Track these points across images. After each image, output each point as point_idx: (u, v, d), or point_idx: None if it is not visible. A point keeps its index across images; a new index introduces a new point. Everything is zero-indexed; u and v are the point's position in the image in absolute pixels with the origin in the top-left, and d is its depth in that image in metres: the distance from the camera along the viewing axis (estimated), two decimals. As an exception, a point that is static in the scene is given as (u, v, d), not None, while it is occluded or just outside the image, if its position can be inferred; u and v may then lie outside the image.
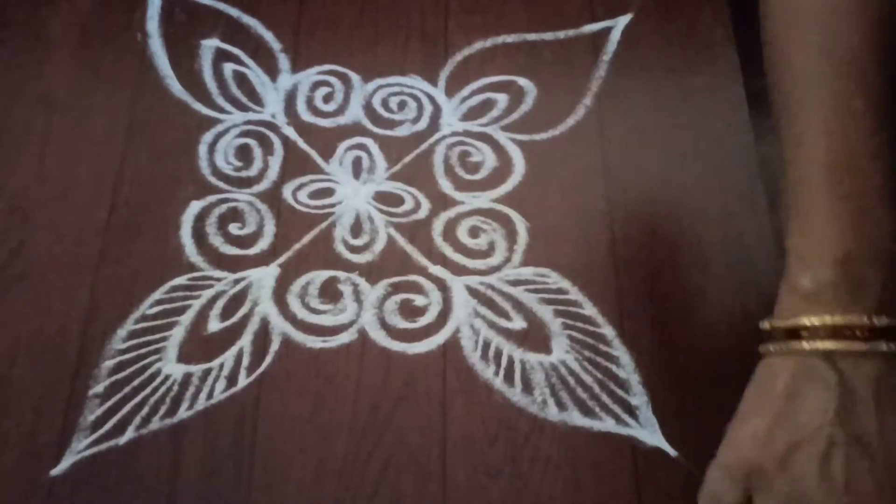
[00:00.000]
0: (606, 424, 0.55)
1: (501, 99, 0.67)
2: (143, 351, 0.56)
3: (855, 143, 0.41)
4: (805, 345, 0.40)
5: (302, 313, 0.58)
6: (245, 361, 0.56)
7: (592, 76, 0.68)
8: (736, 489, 0.41)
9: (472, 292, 0.59)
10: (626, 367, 0.57)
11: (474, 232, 0.62)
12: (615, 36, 0.70)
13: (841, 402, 0.39)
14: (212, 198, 0.62)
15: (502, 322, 0.58)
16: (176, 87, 0.67)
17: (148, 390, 0.55)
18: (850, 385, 0.39)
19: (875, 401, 0.39)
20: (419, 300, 0.59)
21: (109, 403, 0.55)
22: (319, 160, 0.64)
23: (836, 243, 0.41)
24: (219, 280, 0.59)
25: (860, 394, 0.39)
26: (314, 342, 0.57)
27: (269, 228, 0.61)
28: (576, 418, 0.55)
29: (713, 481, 0.43)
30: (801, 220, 0.42)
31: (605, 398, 0.56)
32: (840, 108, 0.42)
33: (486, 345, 0.57)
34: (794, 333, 0.41)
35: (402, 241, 0.61)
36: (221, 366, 0.56)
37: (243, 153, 0.64)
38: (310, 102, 0.67)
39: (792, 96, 0.44)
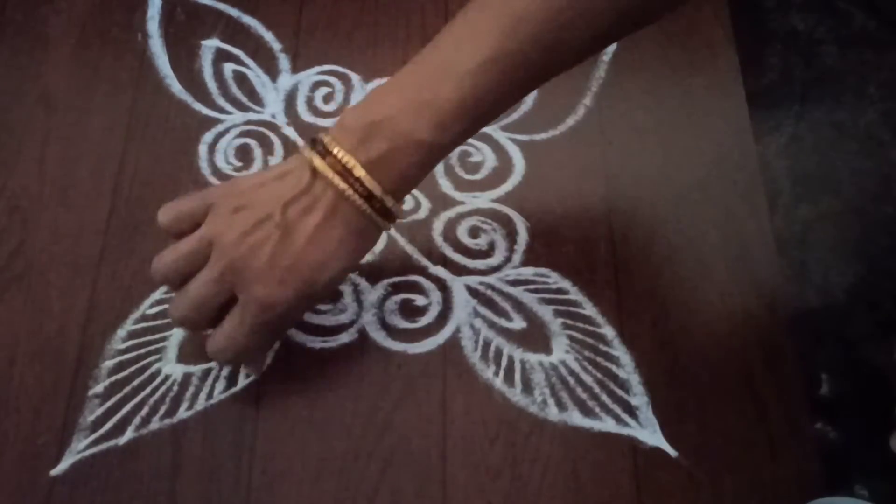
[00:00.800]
0: (606, 424, 0.55)
1: (501, 99, 0.67)
2: (142, 351, 0.56)
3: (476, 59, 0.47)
4: (312, 155, 0.48)
5: (302, 313, 0.58)
6: (245, 361, 0.56)
7: (592, 76, 0.68)
8: (195, 206, 0.51)
9: (472, 292, 0.59)
10: (626, 367, 0.57)
11: (474, 232, 0.62)
12: (615, 36, 0.70)
13: (298, 198, 0.47)
14: (212, 198, 0.62)
15: (502, 322, 0.58)
16: (176, 87, 0.67)
17: (148, 390, 0.55)
18: (314, 194, 0.47)
19: (319, 219, 0.47)
20: (419, 300, 0.59)
21: (109, 403, 0.55)
22: (319, 160, 0.64)
23: (390, 103, 0.47)
24: (219, 280, 0.59)
25: (315, 205, 0.47)
26: (314, 342, 0.57)
27: (269, 228, 0.61)
28: (576, 418, 0.55)
29: (188, 197, 0.52)
30: (399, 74, 0.49)
31: (605, 398, 0.56)
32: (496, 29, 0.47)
33: (486, 345, 0.57)
34: (320, 147, 0.48)
35: (402, 241, 0.61)
36: (221, 366, 0.56)
37: (243, 153, 0.64)
38: (310, 102, 0.67)
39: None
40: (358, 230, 0.48)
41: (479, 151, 0.65)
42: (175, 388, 0.55)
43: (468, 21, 0.48)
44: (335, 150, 0.47)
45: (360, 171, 0.46)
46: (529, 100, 0.67)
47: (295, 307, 0.49)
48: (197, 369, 0.56)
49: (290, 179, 0.48)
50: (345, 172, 0.47)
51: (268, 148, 0.64)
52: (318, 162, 0.47)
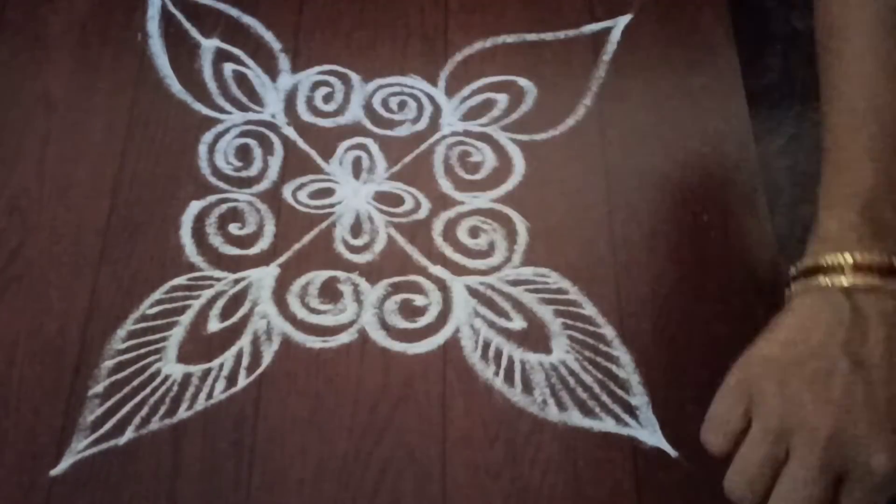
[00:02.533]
0: (606, 424, 0.55)
1: (501, 99, 0.67)
2: (142, 351, 0.56)
3: (886, 92, 0.42)
4: (822, 280, 0.41)
5: (302, 313, 0.58)
6: (245, 361, 0.56)
7: (592, 76, 0.68)
8: (737, 408, 0.42)
9: (472, 292, 0.59)
10: (626, 367, 0.57)
11: (474, 232, 0.62)
12: (615, 36, 0.70)
13: (850, 331, 0.40)
14: (212, 198, 0.62)
15: (502, 322, 0.58)
16: (176, 87, 0.67)
17: (147, 390, 0.55)
18: (862, 317, 0.40)
19: (885, 332, 0.40)
20: (419, 300, 0.59)
21: (109, 403, 0.55)
22: (319, 160, 0.64)
23: (859, 186, 0.42)
24: (219, 280, 0.59)
25: (870, 325, 0.40)
26: (314, 342, 0.57)
27: (269, 228, 0.61)
28: (576, 418, 0.55)
29: (718, 399, 0.43)
30: (829, 165, 0.44)
31: (605, 398, 0.56)
32: (878, 60, 0.44)
33: (486, 345, 0.57)
34: (816, 272, 0.42)
35: (402, 241, 0.61)
36: (221, 366, 0.56)
37: (243, 153, 0.64)
38: (310, 102, 0.67)
39: (832, 47, 0.46)
40: None
41: (479, 151, 0.65)
42: (175, 388, 0.55)
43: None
44: (855, 256, 0.40)
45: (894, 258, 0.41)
46: (529, 100, 0.67)
47: None
48: (197, 369, 0.56)
49: (821, 318, 0.40)
50: (881, 270, 0.40)
51: (268, 148, 0.64)
52: (848, 280, 0.40)
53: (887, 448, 0.38)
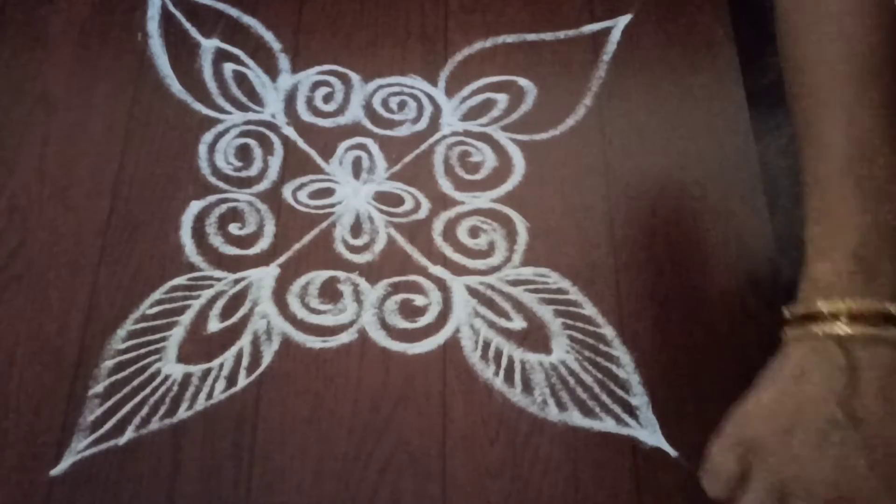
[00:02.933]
0: (606, 424, 0.55)
1: (501, 99, 0.67)
2: (142, 351, 0.56)
3: (870, 133, 0.42)
4: (818, 329, 0.41)
5: (302, 313, 0.58)
6: (245, 361, 0.56)
7: (592, 76, 0.68)
8: (735, 464, 0.42)
9: (472, 292, 0.59)
10: (626, 367, 0.57)
11: (474, 232, 0.62)
12: (615, 36, 0.70)
13: (846, 384, 0.39)
14: (212, 198, 0.62)
15: (502, 322, 0.58)
16: (176, 87, 0.67)
17: (148, 390, 0.55)
18: (858, 368, 0.40)
19: (880, 385, 0.39)
20: (419, 300, 0.59)
21: (109, 403, 0.55)
22: (319, 160, 0.64)
23: (851, 231, 0.42)
24: (219, 280, 0.59)
25: (867, 377, 0.40)
26: (314, 342, 0.57)
27: (269, 228, 0.61)
28: (576, 418, 0.55)
29: (715, 454, 0.43)
30: (817, 210, 0.43)
31: (605, 398, 0.56)
32: (857, 100, 0.43)
33: (486, 345, 0.57)
34: (810, 319, 0.41)
35: (402, 241, 0.61)
36: (221, 366, 0.56)
37: (243, 153, 0.64)
38: (310, 102, 0.67)
39: (807, 87, 0.45)
40: None
41: (479, 151, 0.65)
42: (175, 388, 0.55)
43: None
44: (849, 304, 0.39)
45: (887, 304, 0.40)
46: (529, 100, 0.67)
47: None
48: (197, 369, 0.56)
49: (817, 370, 0.40)
50: (875, 317, 0.39)
51: (268, 148, 0.64)
52: (843, 329, 0.39)
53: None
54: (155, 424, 0.54)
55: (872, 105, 0.42)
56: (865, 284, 0.40)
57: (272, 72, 0.68)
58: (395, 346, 0.57)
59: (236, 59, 0.68)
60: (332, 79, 0.68)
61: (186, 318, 0.57)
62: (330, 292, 0.59)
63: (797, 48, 0.46)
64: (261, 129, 0.65)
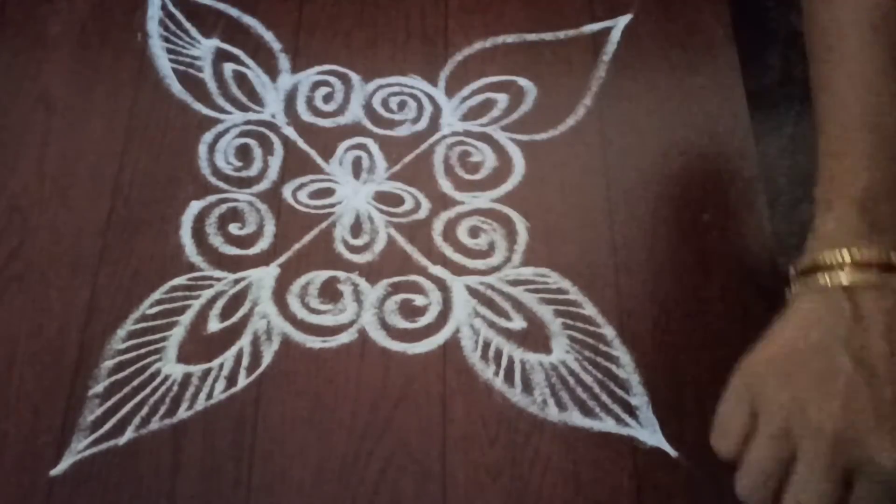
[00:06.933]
0: (606, 424, 0.55)
1: (501, 99, 0.67)
2: (142, 351, 0.56)
3: (881, 91, 0.43)
4: (823, 279, 0.41)
5: (302, 313, 0.58)
6: (245, 361, 0.56)
7: (592, 76, 0.68)
8: (742, 411, 0.42)
9: (472, 292, 0.59)
10: (626, 367, 0.57)
11: (474, 232, 0.62)
12: (615, 36, 0.70)
13: (851, 330, 0.40)
14: (212, 198, 0.62)
15: (502, 322, 0.58)
16: (176, 87, 0.67)
17: (148, 390, 0.55)
18: (862, 315, 0.40)
19: (885, 329, 0.40)
20: (419, 300, 0.59)
21: (109, 403, 0.55)
22: (319, 160, 0.64)
23: (855, 183, 0.43)
24: (219, 280, 0.59)
25: (872, 322, 0.40)
26: (314, 342, 0.57)
27: (269, 228, 0.61)
28: (576, 418, 0.55)
29: (722, 410, 0.43)
30: (827, 170, 0.44)
31: (605, 398, 0.56)
32: (873, 64, 0.44)
33: (486, 345, 0.57)
34: (815, 270, 0.42)
35: (402, 241, 0.61)
36: (221, 366, 0.56)
37: (243, 153, 0.64)
38: (310, 102, 0.67)
39: (824, 52, 0.46)
40: None
41: (479, 151, 0.65)
42: (175, 388, 0.55)
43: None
44: (854, 253, 0.40)
45: (892, 254, 0.40)
46: (529, 100, 0.67)
47: None
48: (197, 369, 0.56)
49: (822, 317, 0.40)
50: (880, 266, 0.40)
51: (268, 148, 0.64)
52: (848, 277, 0.40)
53: (894, 445, 0.37)
54: (155, 424, 0.54)
55: (885, 67, 0.43)
56: (870, 234, 0.40)
57: (272, 72, 0.68)
58: (395, 346, 0.57)
59: (236, 59, 0.68)
60: (332, 79, 0.68)
61: (186, 318, 0.57)
62: (330, 292, 0.59)
63: (818, 17, 0.47)
64: (261, 129, 0.65)
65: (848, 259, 0.40)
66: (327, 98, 0.67)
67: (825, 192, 0.44)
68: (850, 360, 0.39)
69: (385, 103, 0.67)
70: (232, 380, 0.56)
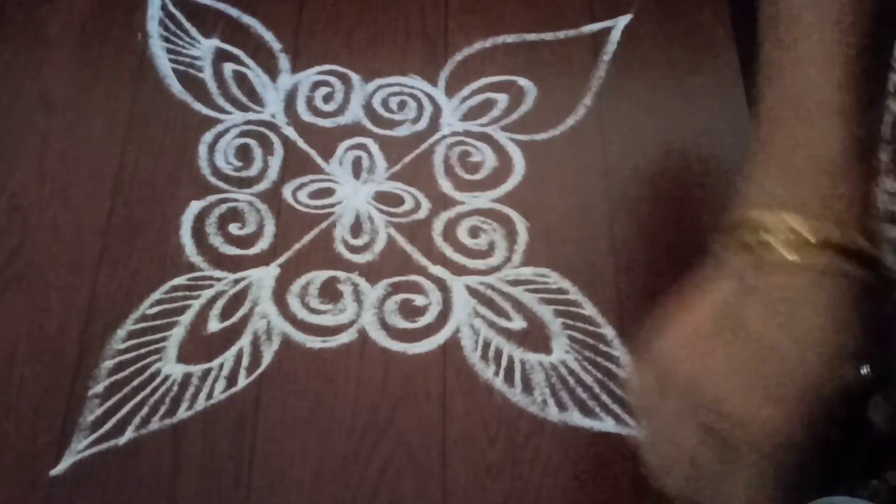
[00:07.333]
0: (606, 424, 0.55)
1: (501, 99, 0.67)
2: (142, 351, 0.56)
3: (848, 41, 0.42)
4: (729, 237, 0.41)
5: (302, 313, 0.58)
6: (245, 361, 0.56)
7: (592, 76, 0.68)
8: (645, 373, 0.43)
9: (472, 292, 0.59)
10: (626, 367, 0.57)
11: (474, 232, 0.62)
12: (615, 36, 0.70)
13: (742, 293, 0.40)
14: (212, 198, 0.62)
15: (502, 322, 0.58)
16: (176, 87, 0.67)
17: (148, 390, 0.55)
18: (759, 280, 0.40)
19: (775, 298, 0.39)
20: (419, 300, 0.59)
21: (109, 403, 0.55)
22: (319, 160, 0.64)
23: (781, 154, 0.42)
24: (219, 280, 0.59)
25: (764, 288, 0.39)
26: (314, 342, 0.57)
27: (269, 228, 0.61)
28: (576, 418, 0.55)
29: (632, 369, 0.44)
30: (756, 149, 0.43)
31: (605, 398, 0.56)
32: (826, 42, 0.43)
33: (486, 345, 0.57)
34: (731, 230, 0.42)
35: (402, 241, 0.61)
36: (221, 366, 0.56)
37: (243, 153, 0.64)
38: (310, 102, 0.67)
39: (780, 37, 0.46)
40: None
41: (479, 151, 0.65)
42: (175, 388, 0.55)
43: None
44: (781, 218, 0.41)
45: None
46: (529, 100, 0.67)
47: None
48: (197, 369, 0.56)
49: (720, 276, 0.42)
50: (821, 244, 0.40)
51: (268, 148, 0.64)
52: (764, 238, 0.41)
53: (765, 419, 0.38)
54: (155, 424, 0.54)
55: (848, 13, 0.43)
56: (785, 200, 0.40)
57: (272, 72, 0.68)
58: (395, 346, 0.57)
59: (236, 59, 0.68)
60: (332, 79, 0.68)
61: (186, 318, 0.57)
62: (330, 292, 0.59)
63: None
64: (261, 129, 0.65)
65: (759, 219, 0.40)
66: (327, 98, 0.67)
67: (752, 170, 0.43)
68: (732, 325, 0.39)
69: (385, 103, 0.67)
70: (232, 380, 0.56)
